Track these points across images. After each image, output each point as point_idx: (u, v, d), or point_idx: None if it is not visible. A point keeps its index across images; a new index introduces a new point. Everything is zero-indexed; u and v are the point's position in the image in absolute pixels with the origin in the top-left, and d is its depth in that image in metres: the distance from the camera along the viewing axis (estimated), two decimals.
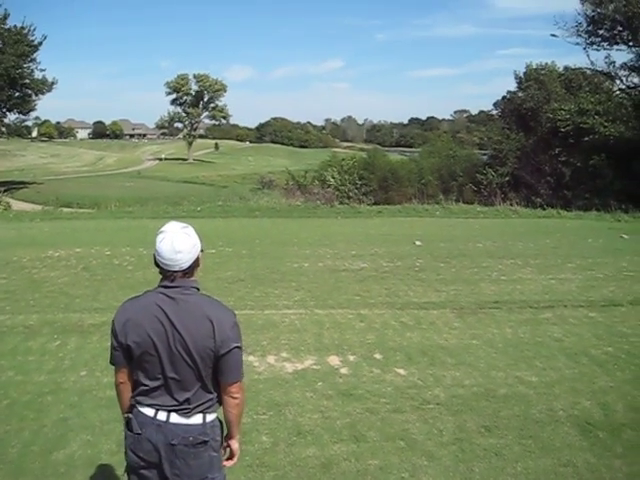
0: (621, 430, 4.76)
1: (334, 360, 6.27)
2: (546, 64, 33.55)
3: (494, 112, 42.92)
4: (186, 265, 2.64)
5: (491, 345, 6.77)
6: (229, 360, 2.63)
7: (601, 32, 29.39)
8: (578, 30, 29.77)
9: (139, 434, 2.64)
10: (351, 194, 24.61)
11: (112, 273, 10.14)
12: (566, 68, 33.62)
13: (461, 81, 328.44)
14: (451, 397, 5.37)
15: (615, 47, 29.62)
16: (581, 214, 20.49)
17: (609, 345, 6.78)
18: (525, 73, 33.68)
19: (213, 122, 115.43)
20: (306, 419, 4.93)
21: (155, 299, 2.64)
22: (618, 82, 31.04)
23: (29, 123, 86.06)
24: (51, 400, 5.23)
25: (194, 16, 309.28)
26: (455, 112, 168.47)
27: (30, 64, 47.27)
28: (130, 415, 2.70)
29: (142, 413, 2.65)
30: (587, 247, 13.26)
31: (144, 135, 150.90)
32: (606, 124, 26.97)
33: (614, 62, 29.86)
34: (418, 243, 13.22)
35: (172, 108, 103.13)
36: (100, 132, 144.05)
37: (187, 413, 2.62)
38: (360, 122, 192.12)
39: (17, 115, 53.12)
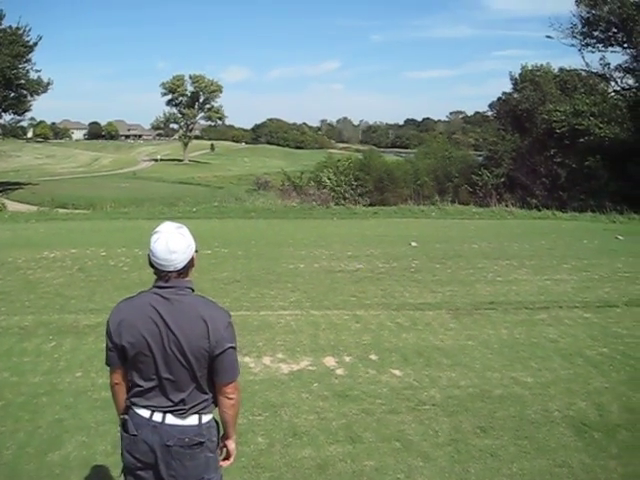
0: (616, 431, 4.77)
1: (330, 361, 6.26)
2: (541, 65, 33.73)
3: (489, 113, 43.25)
4: (181, 265, 2.63)
5: (487, 346, 6.77)
6: (224, 360, 2.62)
7: (596, 34, 29.51)
8: (573, 32, 29.94)
9: (135, 435, 2.64)
10: (347, 195, 24.63)
11: (107, 274, 10.12)
12: (561, 69, 33.81)
13: (457, 82, 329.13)
14: (447, 398, 5.37)
15: (610, 49, 29.78)
16: (576, 215, 20.53)
17: (604, 346, 6.79)
18: (520, 74, 33.81)
19: (209, 123, 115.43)
20: (302, 420, 4.92)
21: (149, 299, 2.64)
22: (613, 84, 31.21)
23: (24, 124, 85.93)
24: (46, 401, 5.21)
25: (190, 17, 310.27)
26: (451, 113, 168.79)
27: (25, 65, 47.22)
28: (126, 416, 2.69)
29: (138, 414, 2.65)
30: (582, 248, 13.28)
31: (140, 136, 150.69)
32: (601, 125, 27.05)
33: (609, 64, 30.05)
34: (414, 244, 13.23)
35: (168, 109, 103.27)
36: (96, 133, 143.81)
37: (182, 414, 2.62)
38: (356, 123, 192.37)
39: (12, 116, 53.19)
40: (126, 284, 9.05)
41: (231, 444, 2.86)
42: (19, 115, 53.54)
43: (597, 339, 7.03)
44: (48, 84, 49.87)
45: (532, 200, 25.28)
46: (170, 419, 2.61)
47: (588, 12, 29.14)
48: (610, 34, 29.19)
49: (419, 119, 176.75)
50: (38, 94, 49.91)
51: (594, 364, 6.24)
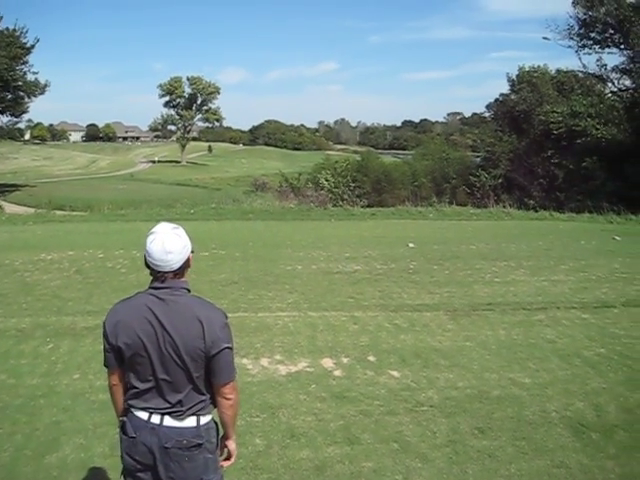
0: (613, 431, 4.78)
1: (328, 362, 6.26)
2: (538, 67, 33.78)
3: (487, 114, 43.27)
4: (177, 266, 2.63)
5: (484, 347, 6.78)
6: (220, 361, 2.62)
7: (593, 35, 29.59)
8: (570, 33, 30.02)
9: (134, 437, 2.64)
10: (345, 196, 24.62)
11: (105, 276, 10.11)
12: (558, 71, 33.84)
13: (454, 84, 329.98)
14: (444, 399, 5.37)
15: (607, 50, 29.87)
16: (574, 216, 20.56)
17: (602, 347, 6.80)
18: (518, 76, 33.87)
19: (206, 125, 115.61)
20: (300, 421, 4.92)
21: (145, 300, 2.64)
22: (610, 85, 31.26)
23: (22, 125, 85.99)
24: (44, 403, 5.20)
25: (187, 18, 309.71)
26: (448, 114, 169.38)
27: (22, 66, 47.16)
28: (125, 418, 2.70)
29: (136, 416, 2.65)
30: (580, 249, 13.30)
31: (137, 138, 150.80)
32: (598, 126, 27.12)
33: (606, 65, 30.13)
34: (411, 245, 13.24)
35: (165, 111, 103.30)
36: (93, 135, 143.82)
37: (180, 415, 2.62)
38: (354, 124, 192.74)
39: (9, 117, 53.01)
40: (124, 286, 9.03)
41: (231, 444, 2.86)
42: (16, 117, 53.49)
43: (595, 340, 7.04)
44: (45, 86, 49.81)
45: (529, 201, 25.35)
46: (168, 421, 2.61)
47: (585, 13, 29.24)
48: (607, 35, 29.27)
49: (417, 120, 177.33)
50: (35, 96, 49.85)
51: (592, 365, 6.25)
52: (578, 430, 4.79)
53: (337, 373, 5.99)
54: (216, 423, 2.77)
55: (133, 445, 2.64)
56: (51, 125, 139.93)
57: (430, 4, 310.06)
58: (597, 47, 29.80)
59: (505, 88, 35.44)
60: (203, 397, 2.67)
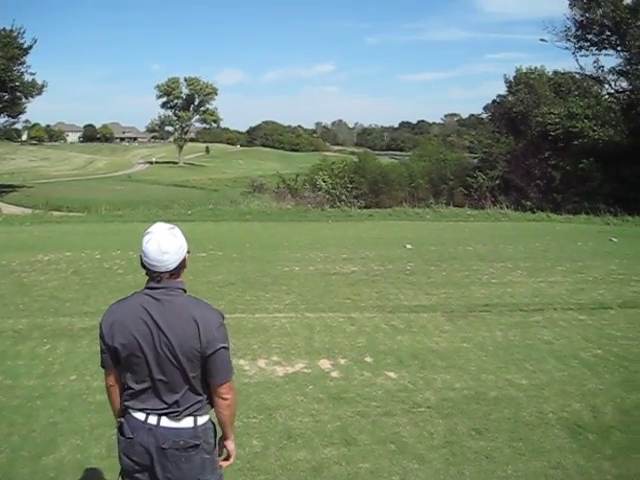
0: (610, 432, 4.78)
1: (325, 364, 6.27)
2: (536, 68, 33.79)
3: (484, 116, 43.48)
4: (173, 266, 2.63)
5: (481, 348, 6.78)
6: (216, 360, 2.62)
7: (590, 37, 29.64)
8: (567, 35, 30.07)
9: (131, 438, 2.64)
10: (342, 197, 24.64)
11: (102, 277, 10.11)
12: (555, 72, 33.88)
13: (451, 85, 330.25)
14: (442, 400, 5.38)
15: (604, 52, 29.91)
16: (571, 217, 20.60)
17: (598, 348, 6.81)
18: (515, 77, 33.88)
19: (204, 125, 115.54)
20: (297, 423, 4.92)
21: (141, 300, 2.64)
22: (607, 86, 31.32)
23: (19, 126, 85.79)
24: (40, 404, 5.20)
25: (185, 20, 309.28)
26: (445, 116, 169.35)
27: (20, 67, 47.12)
28: (122, 420, 2.70)
29: (133, 417, 2.65)
30: (577, 250, 13.32)
31: (135, 138, 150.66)
32: (595, 128, 27.16)
33: (603, 66, 30.16)
34: (409, 246, 13.25)
35: (163, 111, 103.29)
36: (90, 135, 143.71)
37: (177, 416, 2.62)
38: (351, 126, 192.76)
39: (6, 118, 52.98)
40: (121, 287, 9.03)
41: (230, 444, 2.86)
42: (13, 117, 53.49)
43: (591, 341, 7.05)
44: (42, 86, 49.79)
45: (526, 202, 25.37)
46: (165, 422, 2.61)
47: (582, 15, 29.29)
48: (604, 37, 29.33)
49: (414, 122, 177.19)
50: (32, 96, 49.83)
51: (588, 366, 6.26)
52: (575, 431, 4.79)
53: (334, 374, 5.99)
54: (214, 424, 2.77)
55: (130, 446, 2.64)
56: (48, 126, 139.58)
57: (427, 5, 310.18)
58: (594, 49, 29.90)
59: (502, 89, 35.47)
60: (200, 397, 2.67)
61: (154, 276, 2.64)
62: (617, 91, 30.62)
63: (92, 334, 6.69)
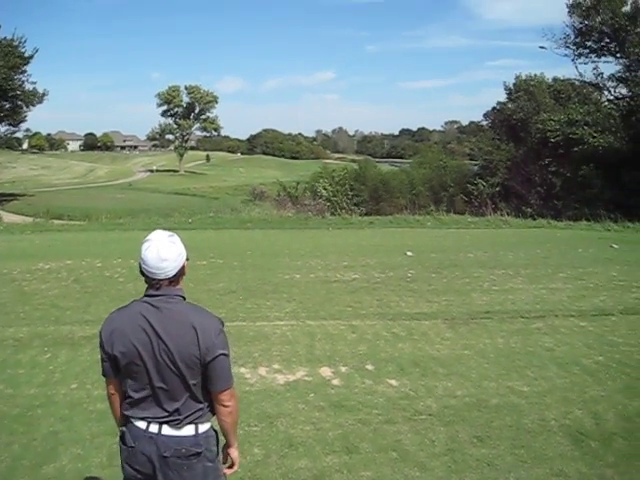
0: (612, 439, 4.77)
1: (326, 371, 6.25)
2: (535, 75, 33.96)
3: (484, 123, 43.59)
4: (172, 273, 2.64)
5: (483, 355, 6.77)
6: (216, 367, 2.62)
7: (589, 44, 29.73)
8: (566, 42, 30.16)
9: (132, 447, 2.64)
10: (343, 204, 24.67)
11: (103, 285, 10.11)
12: (555, 79, 34.05)
13: (451, 92, 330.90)
14: (443, 408, 5.36)
15: (603, 58, 30.00)
16: (571, 224, 20.58)
17: (600, 354, 6.80)
18: (515, 84, 34.04)
19: (204, 134, 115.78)
20: (298, 431, 4.91)
21: (140, 308, 2.64)
22: (606, 93, 31.39)
23: (20, 135, 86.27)
24: (41, 413, 5.19)
25: (185, 28, 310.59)
26: (446, 123, 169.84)
27: (21, 76, 47.30)
28: (124, 428, 2.70)
29: (135, 426, 2.65)
30: (577, 257, 13.31)
31: (135, 147, 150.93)
32: (595, 134, 27.21)
33: (602, 73, 30.22)
34: (409, 254, 13.24)
35: (163, 120, 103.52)
36: (91, 144, 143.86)
37: (178, 424, 2.61)
38: (351, 133, 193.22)
39: (7, 127, 53.16)
40: (122, 295, 9.02)
41: (234, 452, 2.84)
42: (14, 126, 53.72)
43: (593, 347, 7.04)
44: (43, 95, 49.98)
45: (527, 209, 25.37)
46: (166, 430, 2.61)
47: (581, 22, 29.39)
48: (603, 44, 29.42)
49: (414, 129, 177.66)
50: (33, 105, 50.05)
51: (590, 373, 6.24)
52: (577, 438, 4.78)
53: (335, 382, 5.98)
54: (216, 431, 2.76)
55: (132, 455, 2.64)
56: (49, 134, 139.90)
57: (426, 13, 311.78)
58: (593, 56, 29.98)
59: (502, 96, 35.66)
60: (201, 405, 2.66)
61: (153, 283, 2.64)
62: (617, 98, 30.68)
63: (93, 342, 6.68)
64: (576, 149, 27.45)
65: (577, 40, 29.89)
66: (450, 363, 6.51)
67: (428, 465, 4.38)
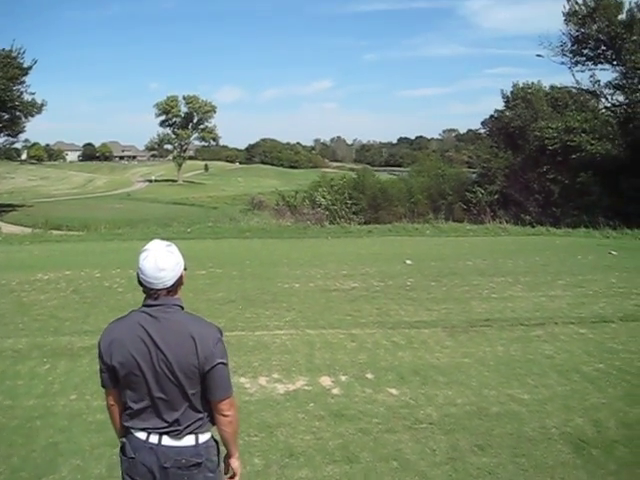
0: (614, 447, 4.76)
1: (326, 381, 6.24)
2: (533, 83, 34.10)
3: (482, 131, 43.59)
4: (170, 283, 2.64)
5: (483, 363, 6.76)
6: (214, 376, 2.61)
7: (585, 52, 29.84)
8: (563, 50, 30.25)
9: (133, 458, 2.63)
10: (342, 213, 24.66)
11: (102, 295, 10.09)
12: (552, 87, 34.13)
13: (449, 100, 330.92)
14: (443, 416, 5.35)
15: (599, 66, 30.07)
16: (570, 231, 20.58)
17: (600, 362, 6.79)
18: (512, 92, 34.15)
19: (203, 143, 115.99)
20: (298, 440, 4.89)
21: (138, 318, 2.64)
22: (603, 100, 31.43)
23: (18, 145, 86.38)
24: (40, 425, 5.17)
25: (183, 38, 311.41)
26: (444, 131, 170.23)
27: (19, 87, 47.45)
28: (124, 439, 2.69)
29: (135, 437, 2.64)
30: (577, 264, 13.31)
31: (134, 157, 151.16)
32: (593, 142, 27.27)
33: (599, 81, 30.32)
34: (409, 262, 13.24)
35: (161, 130, 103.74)
36: (90, 154, 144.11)
37: (178, 435, 2.60)
38: (349, 142, 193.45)
39: (6, 137, 53.29)
40: (121, 305, 9.00)
41: (235, 462, 2.82)
42: (13, 137, 53.92)
43: (593, 355, 7.03)
44: (42, 105, 50.19)
45: (526, 216, 25.35)
46: (166, 440, 2.60)
47: (577, 30, 29.49)
48: (599, 52, 29.52)
49: (412, 137, 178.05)
50: (32, 115, 50.22)
51: (590, 380, 6.24)
52: (578, 446, 4.76)
53: (335, 391, 5.97)
54: (216, 441, 2.75)
55: (133, 466, 2.63)
56: (48, 145, 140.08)
57: (424, 22, 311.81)
58: (590, 63, 30.07)
59: (500, 104, 35.72)
60: (200, 415, 2.66)
61: (151, 293, 2.64)
62: (614, 105, 30.76)
63: (92, 353, 6.65)
64: (574, 156, 27.50)
65: (574, 48, 30.01)
66: (450, 371, 6.50)
67: (429, 474, 4.36)
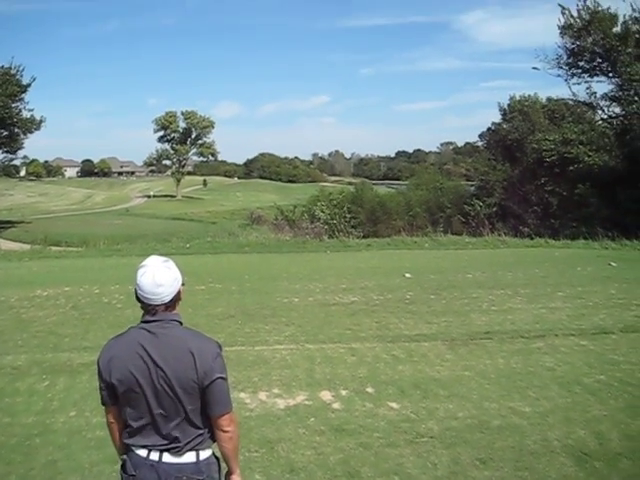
0: (617, 459, 4.73)
1: (326, 395, 6.22)
2: (529, 96, 34.21)
3: (480, 144, 43.66)
4: (168, 298, 2.64)
5: (483, 376, 6.74)
6: (214, 391, 2.60)
7: (581, 64, 29.99)
8: (559, 62, 30.40)
9: (133, 475, 2.61)
10: (341, 227, 24.66)
11: (101, 311, 10.07)
12: (549, 99, 34.29)
13: (447, 113, 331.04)
14: (445, 430, 5.33)
15: (595, 78, 30.23)
16: (569, 243, 20.58)
17: (601, 373, 6.77)
18: (509, 105, 34.28)
19: (201, 159, 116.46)
20: (299, 456, 4.87)
21: (136, 335, 2.64)
22: (600, 112, 31.55)
23: (17, 162, 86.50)
24: (39, 442, 5.14)
25: (180, 54, 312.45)
26: (441, 144, 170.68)
27: (18, 104, 47.64)
28: (125, 457, 2.68)
29: (136, 454, 2.63)
30: (576, 275, 13.31)
31: (132, 173, 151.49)
32: (590, 153, 27.35)
33: (595, 93, 30.44)
34: (408, 275, 13.23)
35: (160, 145, 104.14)
36: (88, 170, 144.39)
37: (178, 451, 2.59)
38: (347, 156, 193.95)
39: (5, 154, 53.42)
40: (120, 321, 8.97)
41: (236, 479, 2.81)
42: (12, 153, 54.05)
43: (594, 366, 7.01)
44: (41, 122, 50.38)
45: (524, 229, 25.41)
46: (167, 457, 2.59)
47: (573, 43, 29.68)
48: (595, 64, 29.69)
49: (410, 151, 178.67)
50: (31, 132, 50.41)
51: (592, 392, 6.22)
52: (581, 459, 4.74)
53: (336, 406, 5.94)
54: (218, 458, 2.73)
55: None
56: (46, 161, 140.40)
57: (420, 36, 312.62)
58: (586, 76, 30.21)
59: (497, 117, 35.84)
60: (201, 431, 2.64)
61: (149, 309, 2.64)
62: (610, 116, 30.89)
63: (91, 369, 6.62)
64: (572, 168, 27.57)
65: (569, 60, 30.18)
66: (451, 384, 6.48)
67: None
